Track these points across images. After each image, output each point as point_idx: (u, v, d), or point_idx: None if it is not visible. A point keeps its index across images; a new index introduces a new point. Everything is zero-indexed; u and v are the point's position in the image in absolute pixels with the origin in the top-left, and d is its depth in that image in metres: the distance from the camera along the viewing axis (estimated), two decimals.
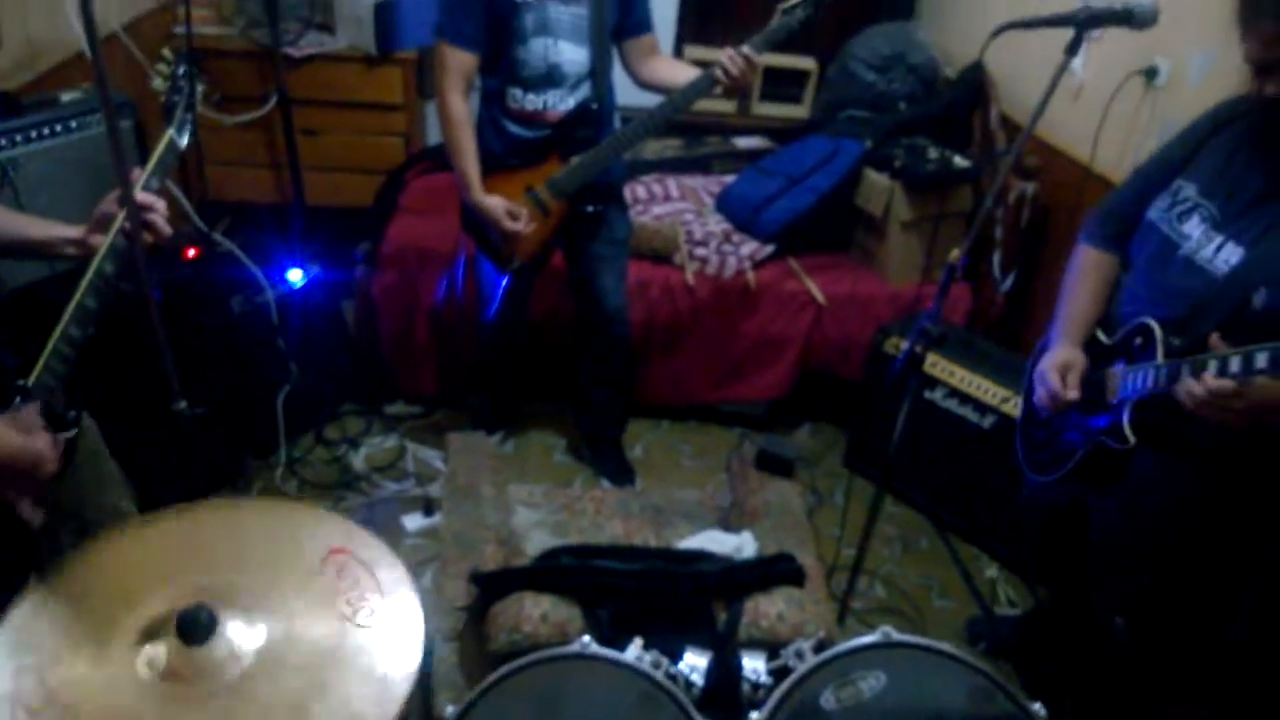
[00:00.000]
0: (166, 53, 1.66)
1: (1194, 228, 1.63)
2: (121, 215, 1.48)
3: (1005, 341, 2.98)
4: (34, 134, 2.19)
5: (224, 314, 2.63)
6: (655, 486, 2.93)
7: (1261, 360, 1.38)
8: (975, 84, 3.23)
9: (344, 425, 3.06)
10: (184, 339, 2.40)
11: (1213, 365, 1.46)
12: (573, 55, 2.43)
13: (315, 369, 2.91)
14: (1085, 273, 1.88)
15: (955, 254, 1.91)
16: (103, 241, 1.50)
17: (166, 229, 1.55)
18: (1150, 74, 2.53)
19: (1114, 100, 2.59)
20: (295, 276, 2.84)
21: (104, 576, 1.28)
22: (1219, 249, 1.58)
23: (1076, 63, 2.77)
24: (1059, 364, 1.81)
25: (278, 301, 2.74)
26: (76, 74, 2.50)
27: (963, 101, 3.27)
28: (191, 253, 2.63)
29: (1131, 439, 1.63)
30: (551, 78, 2.44)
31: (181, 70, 1.64)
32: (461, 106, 2.43)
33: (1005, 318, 3.05)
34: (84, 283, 1.48)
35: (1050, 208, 2.92)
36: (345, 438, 3.01)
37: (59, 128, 2.24)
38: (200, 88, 1.73)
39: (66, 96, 2.30)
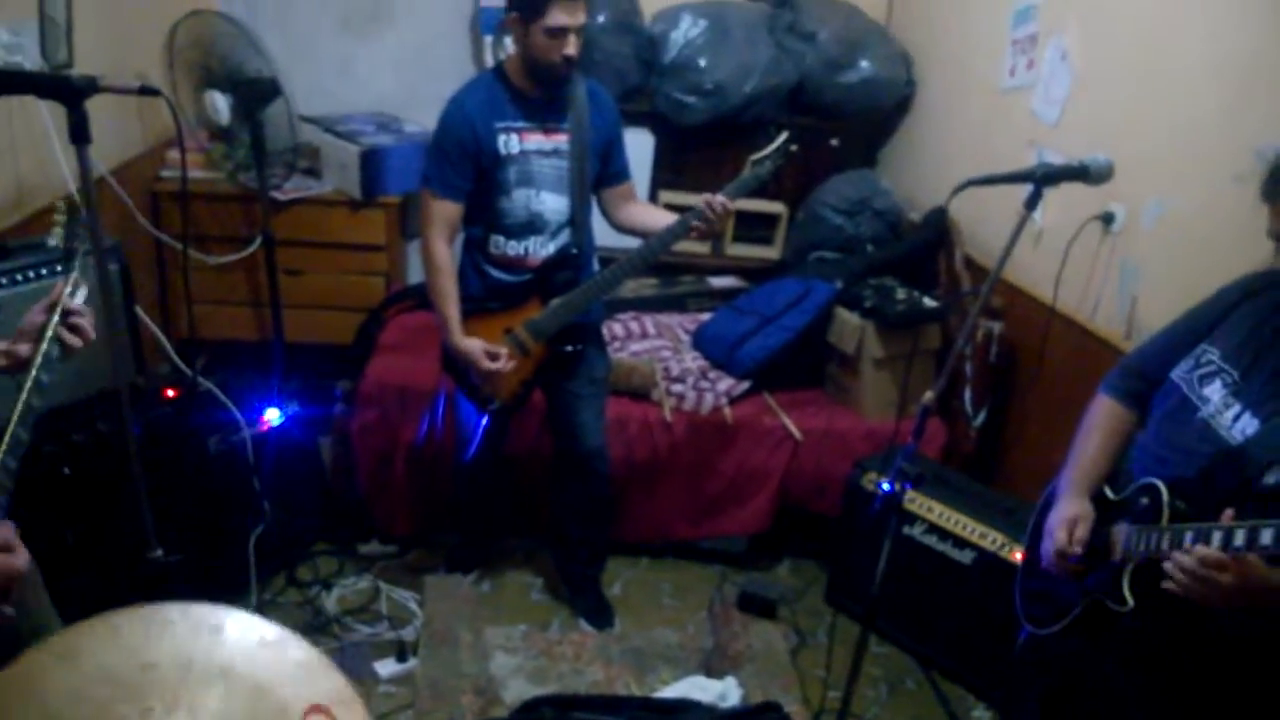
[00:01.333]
0: (60, 204, 1.71)
1: (1214, 392, 1.64)
2: (54, 320, 1.51)
3: (979, 476, 3.01)
4: (19, 277, 2.20)
5: (200, 455, 2.61)
6: (635, 626, 2.88)
7: (1266, 537, 1.37)
8: (939, 228, 3.36)
9: (317, 566, 3.00)
10: (160, 481, 2.39)
11: (1217, 536, 1.44)
12: (554, 204, 2.52)
13: (289, 508, 2.88)
14: (1100, 424, 1.87)
15: (929, 395, 1.95)
16: (29, 350, 1.52)
17: (91, 333, 1.57)
18: (1107, 219, 2.65)
19: (1073, 244, 2.70)
20: (273, 415, 2.84)
21: None
22: (1236, 417, 1.58)
23: (1037, 210, 2.92)
24: (1067, 519, 1.78)
25: (254, 440, 2.72)
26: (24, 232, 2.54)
27: (927, 244, 3.39)
28: (170, 393, 2.63)
29: (1130, 600, 1.62)
30: (533, 225, 2.52)
31: (75, 219, 1.69)
32: (445, 253, 2.50)
33: (978, 452, 3.08)
34: (26, 387, 1.48)
35: (1016, 346, 3.00)
36: (317, 579, 2.95)
37: (44, 271, 2.26)
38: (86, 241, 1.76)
39: (54, 241, 2.33)
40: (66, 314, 1.54)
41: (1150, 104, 2.53)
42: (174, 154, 3.40)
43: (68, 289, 1.59)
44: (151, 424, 2.49)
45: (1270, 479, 1.49)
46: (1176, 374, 1.73)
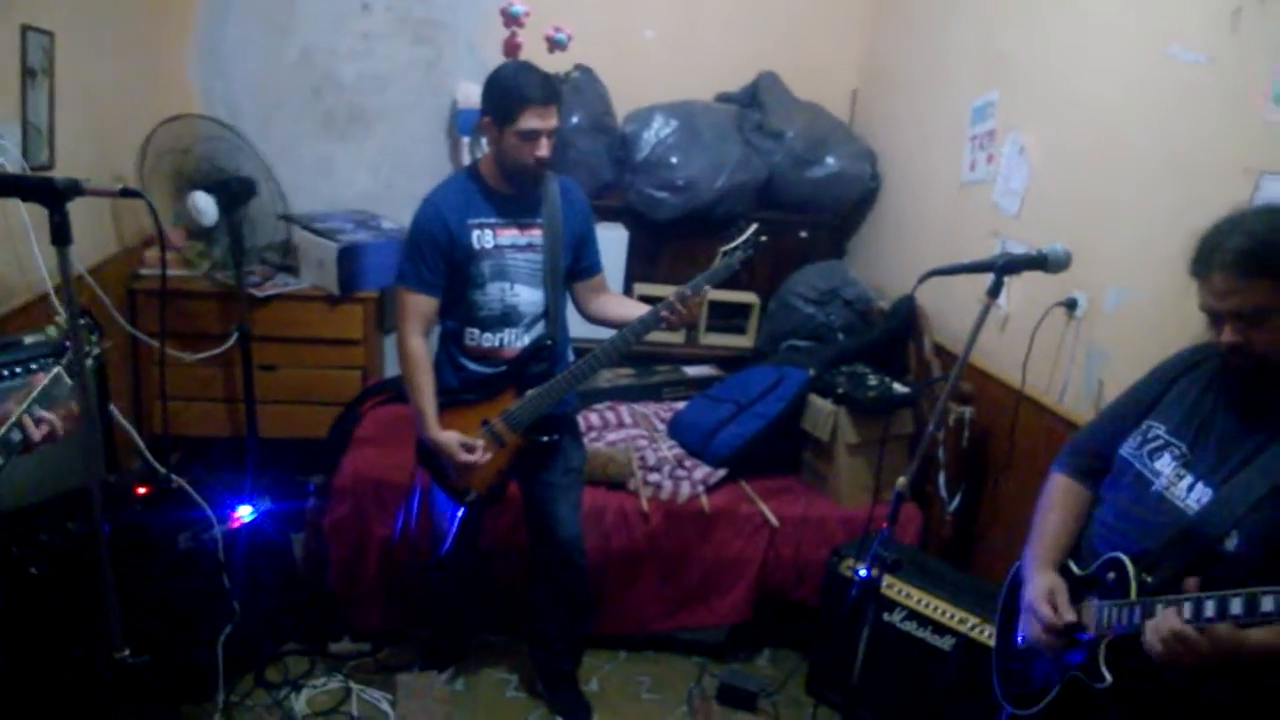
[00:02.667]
0: (59, 318, 1.75)
1: (1165, 465, 1.69)
2: (22, 408, 1.51)
3: (956, 560, 3.02)
4: None
5: (170, 553, 2.58)
6: None
7: (1236, 606, 1.40)
8: (907, 316, 3.43)
9: (286, 666, 2.93)
10: (128, 581, 2.34)
11: (1187, 607, 1.47)
12: (528, 297, 2.56)
13: (259, 606, 2.82)
14: (1057, 501, 1.91)
15: (902, 481, 1.97)
16: None
17: (59, 431, 1.57)
18: (1070, 305, 2.72)
19: (1039, 330, 2.76)
20: (244, 512, 2.81)
21: None
22: (1190, 488, 1.63)
23: (1002, 297, 2.98)
24: (1044, 592, 1.79)
25: (225, 537, 2.69)
26: (40, 316, 2.56)
27: (897, 332, 3.46)
28: (141, 490, 2.61)
29: (1108, 677, 1.62)
30: (508, 318, 2.56)
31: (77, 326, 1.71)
32: (421, 347, 2.53)
33: (955, 537, 3.09)
34: None
35: (988, 430, 3.04)
36: (287, 680, 2.88)
37: (19, 370, 2.26)
38: (97, 343, 1.81)
39: (29, 339, 2.34)
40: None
41: (1106, 195, 2.62)
42: (151, 253, 3.44)
43: (45, 381, 1.60)
44: (121, 522, 2.45)
45: (1230, 545, 1.54)
46: (1126, 451, 1.78)
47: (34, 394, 1.58)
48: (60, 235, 1.45)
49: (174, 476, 2.67)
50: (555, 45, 3.66)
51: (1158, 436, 1.73)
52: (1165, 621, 1.48)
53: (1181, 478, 1.65)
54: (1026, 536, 1.92)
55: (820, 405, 3.18)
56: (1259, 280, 1.49)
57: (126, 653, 1.60)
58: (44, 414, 1.57)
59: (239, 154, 3.23)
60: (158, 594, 2.50)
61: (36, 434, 1.56)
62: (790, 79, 4.02)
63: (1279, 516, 1.51)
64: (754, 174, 3.82)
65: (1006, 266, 1.83)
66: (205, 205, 3.11)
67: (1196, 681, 1.53)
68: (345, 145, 3.90)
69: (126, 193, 1.52)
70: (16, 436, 1.53)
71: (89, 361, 1.72)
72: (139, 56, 3.39)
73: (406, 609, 3.04)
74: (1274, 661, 1.46)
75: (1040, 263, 1.82)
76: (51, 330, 1.73)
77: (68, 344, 1.70)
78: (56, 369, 1.66)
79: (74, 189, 1.46)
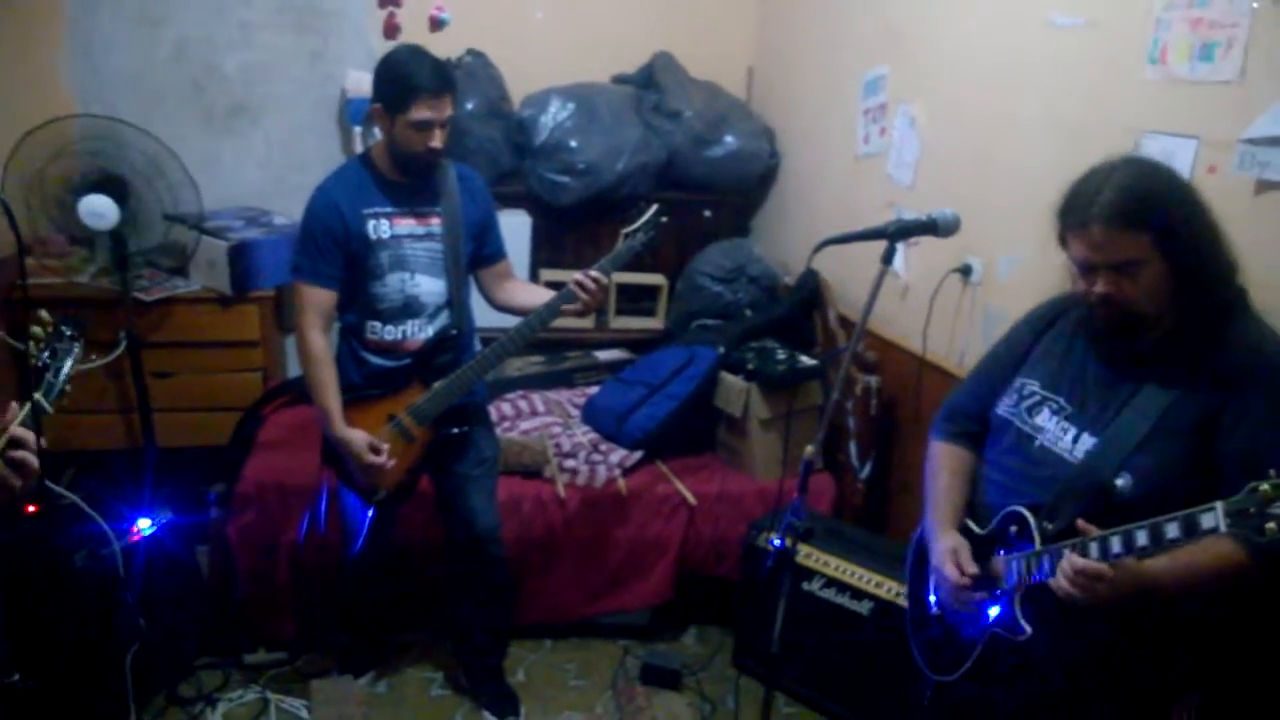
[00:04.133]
0: (44, 314, 1.60)
1: (1046, 420, 1.74)
2: None
3: (870, 527, 3.08)
4: None
5: (65, 573, 2.46)
6: (540, 712, 2.80)
7: (1142, 538, 1.46)
8: (811, 289, 3.47)
9: (200, 681, 2.84)
10: (20, 603, 2.24)
11: (1094, 547, 1.52)
12: (430, 287, 2.51)
13: (167, 622, 2.72)
14: (942, 465, 1.95)
15: (810, 450, 1.98)
16: None
17: (35, 465, 1.43)
18: (965, 271, 2.79)
19: (937, 296, 2.83)
20: (144, 525, 2.70)
21: None
22: (1075, 439, 1.68)
23: (900, 266, 3.06)
24: (947, 552, 1.82)
25: (125, 553, 2.58)
26: None
27: (802, 305, 3.50)
28: (30, 509, 2.48)
29: (1027, 628, 1.66)
30: (410, 309, 2.50)
31: (64, 334, 1.58)
32: (321, 343, 2.45)
33: (868, 504, 3.15)
34: None
35: (894, 397, 3.10)
36: (201, 695, 2.78)
37: None
38: (80, 350, 1.65)
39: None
40: (13, 444, 1.38)
41: (995, 162, 2.69)
42: (32, 261, 3.26)
43: (20, 415, 1.44)
44: (9, 542, 2.33)
45: (1122, 486, 1.60)
46: (1003, 410, 1.83)
47: (6, 432, 1.40)
48: None
49: (63, 491, 2.55)
50: (438, 25, 3.60)
51: (1033, 393, 1.78)
52: (1071, 559, 1.53)
53: (1066, 431, 1.70)
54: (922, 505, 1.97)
55: (731, 382, 3.21)
56: (1135, 232, 1.53)
57: (15, 678, 1.51)
58: (21, 453, 1.40)
59: (122, 152, 3.08)
60: (55, 615, 2.39)
61: (15, 481, 1.40)
62: (686, 59, 4.02)
63: (1164, 454, 1.58)
64: (654, 155, 3.81)
65: (898, 232, 1.85)
66: (104, 208, 2.94)
67: (1113, 619, 1.59)
68: (231, 140, 3.76)
69: None
70: None
71: (65, 376, 1.56)
72: (6, 58, 3.20)
73: (321, 614, 2.96)
74: (1193, 579, 1.53)
75: (930, 227, 1.85)
76: (31, 344, 1.56)
77: (47, 361, 1.54)
78: (36, 396, 1.49)
79: None
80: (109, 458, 3.31)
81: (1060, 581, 1.55)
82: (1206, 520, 1.38)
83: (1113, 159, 1.63)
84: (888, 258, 1.84)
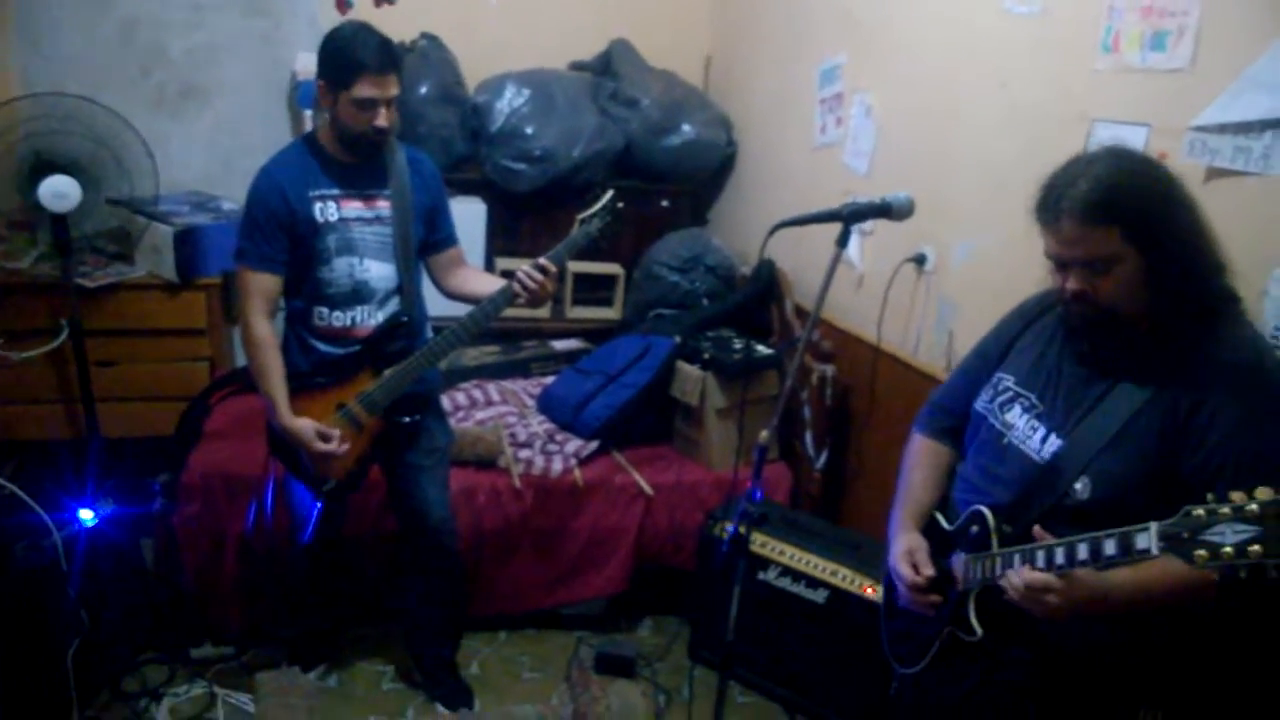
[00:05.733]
0: None
1: (1017, 417, 1.69)
2: None
3: (827, 517, 3.08)
4: None
5: (5, 564, 2.38)
6: (495, 704, 2.76)
7: (1083, 551, 1.43)
8: (768, 279, 3.47)
9: (144, 676, 2.76)
10: None
11: (1040, 555, 1.49)
12: (380, 272, 2.45)
13: (110, 616, 2.66)
14: (918, 460, 1.92)
15: (764, 435, 1.97)
16: None
17: None
18: (920, 260, 2.79)
19: (892, 286, 2.83)
20: (86, 516, 2.62)
21: None
22: (1044, 439, 1.63)
23: (855, 255, 3.06)
24: (903, 553, 1.80)
25: (66, 545, 2.50)
26: None
27: (759, 296, 3.49)
28: None
29: (978, 630, 1.64)
30: (359, 295, 2.45)
31: None
32: (266, 329, 2.39)
33: (824, 494, 3.15)
34: None
35: (850, 387, 3.10)
36: (146, 690, 2.72)
37: None
38: None
39: None
40: None
41: (950, 150, 2.70)
42: None
43: None
44: None
45: (1079, 491, 1.56)
46: (979, 405, 1.79)
47: None
48: None
49: (2, 481, 2.47)
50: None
51: (1008, 389, 1.73)
52: (1020, 572, 1.50)
53: (1035, 430, 1.66)
54: (892, 498, 1.94)
55: (688, 371, 3.19)
56: (1107, 228, 1.47)
57: None
58: None
59: (74, 133, 2.98)
60: None
61: None
62: (643, 47, 4.00)
63: (1123, 461, 1.53)
64: (611, 143, 3.79)
65: (852, 215, 1.84)
66: (66, 188, 2.85)
67: (1069, 627, 1.55)
68: (178, 124, 3.67)
69: None
70: None
71: None
72: None
73: (269, 607, 2.91)
74: (1146, 597, 1.49)
75: (884, 210, 1.84)
76: None
77: None
78: None
79: None
80: (51, 448, 3.23)
81: (1011, 591, 1.52)
82: (1140, 540, 1.35)
83: (1093, 151, 1.58)
84: (842, 240, 1.83)
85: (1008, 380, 1.75)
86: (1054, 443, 1.62)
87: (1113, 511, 1.47)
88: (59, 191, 2.84)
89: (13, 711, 2.43)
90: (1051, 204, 1.52)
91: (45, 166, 2.92)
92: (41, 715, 2.53)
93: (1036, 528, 1.53)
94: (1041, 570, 1.49)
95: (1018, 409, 1.70)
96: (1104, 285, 1.50)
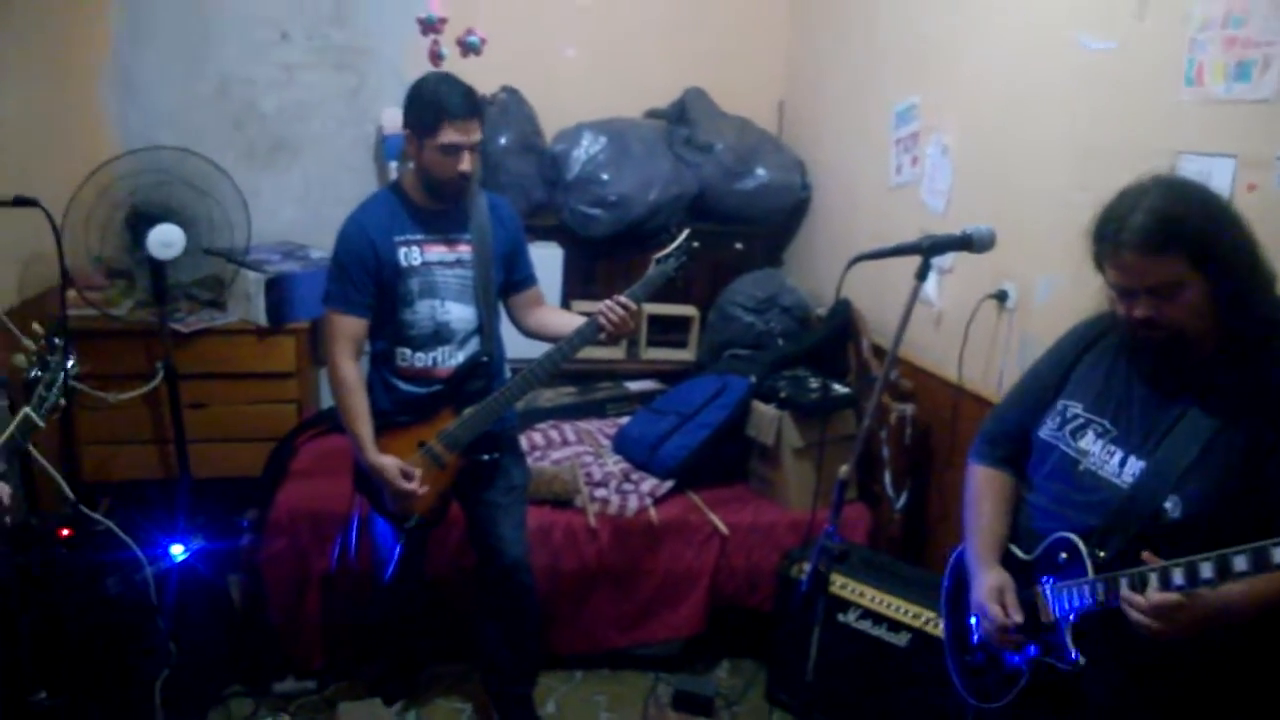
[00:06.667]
0: (37, 328, 1.62)
1: (1091, 443, 1.69)
2: None
3: (907, 557, 3.02)
4: None
5: (97, 595, 2.47)
6: None
7: (1207, 571, 1.41)
8: (844, 318, 3.45)
9: (229, 709, 2.83)
10: (51, 623, 2.25)
11: (1154, 578, 1.47)
12: (460, 314, 2.51)
13: (198, 649, 2.72)
14: (983, 492, 1.90)
15: (844, 470, 1.96)
16: None
17: (7, 502, 1.43)
18: (1001, 297, 2.75)
19: (972, 323, 2.79)
20: (177, 551, 2.71)
21: None
22: (1122, 462, 1.63)
23: (933, 293, 3.04)
24: (992, 590, 1.76)
25: (158, 579, 2.59)
26: None
27: (835, 335, 3.47)
28: (65, 532, 2.50)
29: (1079, 659, 1.61)
30: (440, 336, 2.51)
31: (55, 345, 1.60)
32: (352, 371, 2.46)
33: (904, 535, 3.09)
34: None
35: (930, 426, 3.05)
36: None
37: None
38: (73, 365, 1.66)
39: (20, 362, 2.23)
40: None
41: (1028, 186, 2.67)
42: (72, 294, 3.32)
43: (10, 429, 1.46)
44: (42, 564, 2.34)
45: (1172, 512, 1.54)
46: (1045, 433, 1.78)
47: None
48: None
49: (97, 516, 2.56)
50: (469, 49, 3.69)
51: (1076, 416, 1.73)
52: (1153, 595, 1.47)
53: (1112, 454, 1.65)
54: (960, 532, 1.91)
55: (764, 411, 3.18)
56: (1169, 255, 1.49)
57: (43, 695, 1.50)
58: None
59: (166, 187, 3.14)
60: (87, 638, 2.40)
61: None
62: (717, 93, 4.05)
63: (1213, 479, 1.53)
64: (685, 187, 3.83)
65: (933, 248, 1.83)
66: (173, 237, 3.00)
67: (1181, 649, 1.52)
68: (269, 176, 3.83)
69: (20, 201, 1.45)
70: None
71: (56, 391, 1.57)
72: (52, 91, 3.29)
73: (352, 643, 2.95)
74: (1260, 610, 1.48)
75: (966, 242, 1.82)
76: (20, 358, 1.58)
77: (38, 374, 1.56)
78: (25, 410, 1.52)
79: None
80: (144, 487, 3.34)
81: (1135, 614, 1.49)
82: (1277, 555, 1.34)
83: (1144, 180, 1.60)
84: (922, 274, 1.82)
85: (1075, 407, 1.73)
86: (1134, 465, 1.61)
87: (1206, 529, 1.47)
88: (166, 240, 2.99)
89: None
90: (1110, 236, 1.55)
91: (143, 217, 3.07)
92: None
93: (1146, 553, 1.50)
94: (1155, 589, 1.47)
95: (1091, 435, 1.69)
96: (1171, 310, 1.53)
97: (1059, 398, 1.78)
